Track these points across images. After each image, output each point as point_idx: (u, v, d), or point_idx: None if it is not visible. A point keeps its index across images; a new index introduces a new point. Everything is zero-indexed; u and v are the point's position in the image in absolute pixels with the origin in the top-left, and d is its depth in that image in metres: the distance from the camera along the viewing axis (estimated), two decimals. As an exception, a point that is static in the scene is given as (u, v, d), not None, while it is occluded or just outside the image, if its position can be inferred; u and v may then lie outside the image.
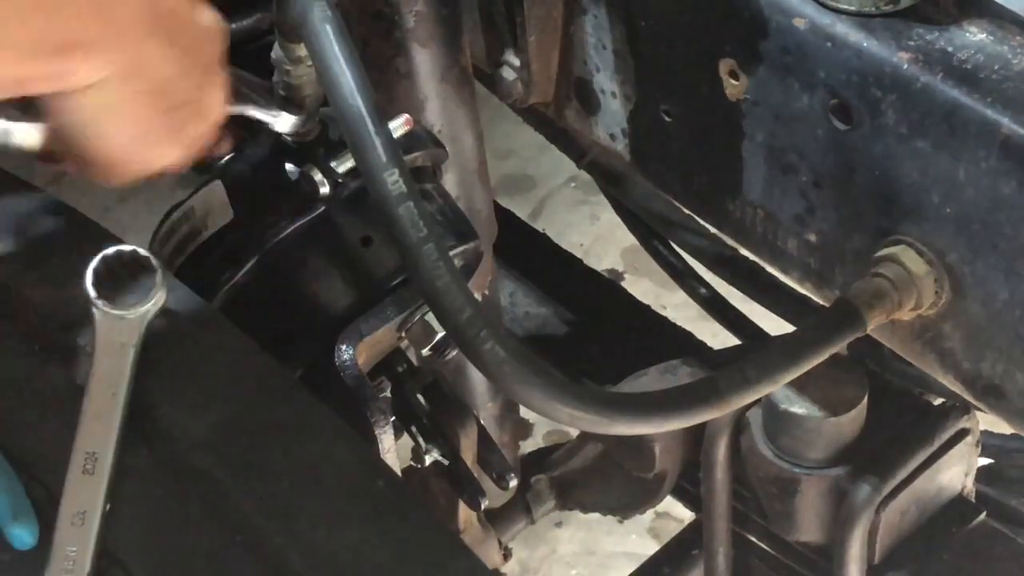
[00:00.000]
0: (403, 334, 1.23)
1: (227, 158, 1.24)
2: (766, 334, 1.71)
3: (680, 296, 1.81)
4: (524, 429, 2.45)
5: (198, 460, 0.98)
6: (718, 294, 1.77)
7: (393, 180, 1.03)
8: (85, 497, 0.95)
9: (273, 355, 1.06)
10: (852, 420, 1.35)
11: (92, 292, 1.01)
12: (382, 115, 1.04)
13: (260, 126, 1.17)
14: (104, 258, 1.02)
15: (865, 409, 1.36)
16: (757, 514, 1.48)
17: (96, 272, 1.01)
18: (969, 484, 1.45)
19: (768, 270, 1.51)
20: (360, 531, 0.96)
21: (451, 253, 1.21)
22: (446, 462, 1.30)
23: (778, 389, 1.32)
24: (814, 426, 1.34)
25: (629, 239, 1.83)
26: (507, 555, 1.81)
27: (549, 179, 3.01)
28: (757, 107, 1.19)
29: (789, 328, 1.50)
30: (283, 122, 1.17)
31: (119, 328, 1.01)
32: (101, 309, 1.01)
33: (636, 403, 1.11)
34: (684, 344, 1.80)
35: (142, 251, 1.03)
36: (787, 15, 1.13)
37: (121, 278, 1.02)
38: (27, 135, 1.02)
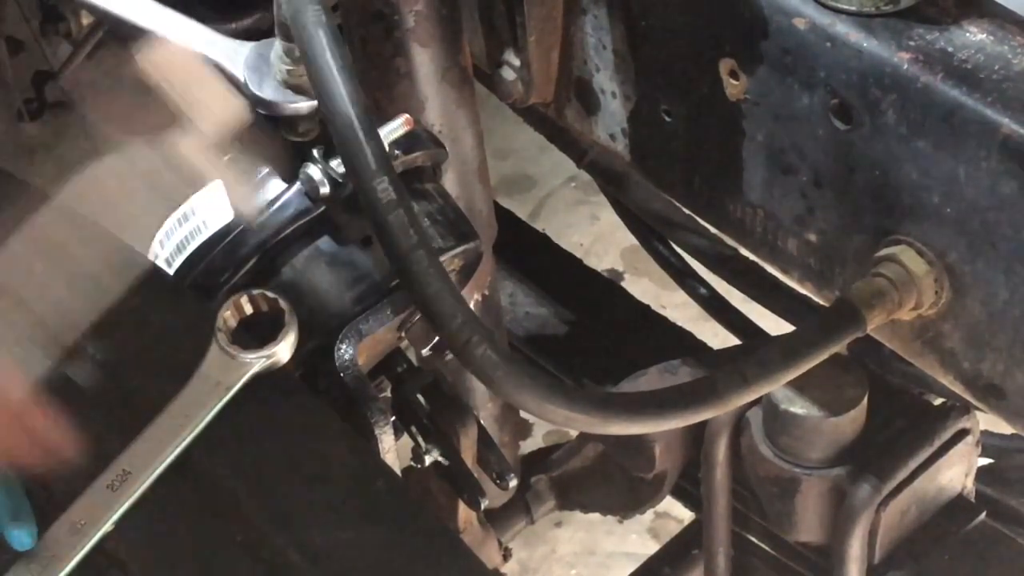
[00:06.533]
0: (403, 334, 1.23)
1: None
2: (766, 334, 1.71)
3: (680, 296, 1.81)
4: (524, 429, 2.45)
5: (198, 460, 0.98)
6: (718, 294, 1.77)
7: (382, 188, 1.02)
8: (95, 511, 0.94)
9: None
10: (852, 420, 1.35)
11: (220, 322, 1.01)
12: (372, 121, 1.04)
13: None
14: (249, 296, 1.02)
15: (865, 409, 1.36)
16: (757, 514, 1.48)
17: (237, 306, 1.01)
18: (969, 484, 1.45)
19: (768, 270, 1.51)
20: (360, 531, 0.96)
21: (451, 253, 1.21)
22: (446, 462, 1.30)
23: (778, 389, 1.32)
24: (814, 426, 1.34)
25: (629, 239, 1.83)
26: (507, 555, 1.81)
27: (549, 179, 3.00)
28: (757, 107, 1.19)
29: (789, 328, 1.50)
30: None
31: (224, 366, 1.00)
32: (219, 342, 1.00)
33: (631, 403, 1.10)
34: (684, 344, 1.80)
35: (284, 303, 1.03)
36: (787, 15, 1.13)
37: (253, 318, 1.01)
38: None
